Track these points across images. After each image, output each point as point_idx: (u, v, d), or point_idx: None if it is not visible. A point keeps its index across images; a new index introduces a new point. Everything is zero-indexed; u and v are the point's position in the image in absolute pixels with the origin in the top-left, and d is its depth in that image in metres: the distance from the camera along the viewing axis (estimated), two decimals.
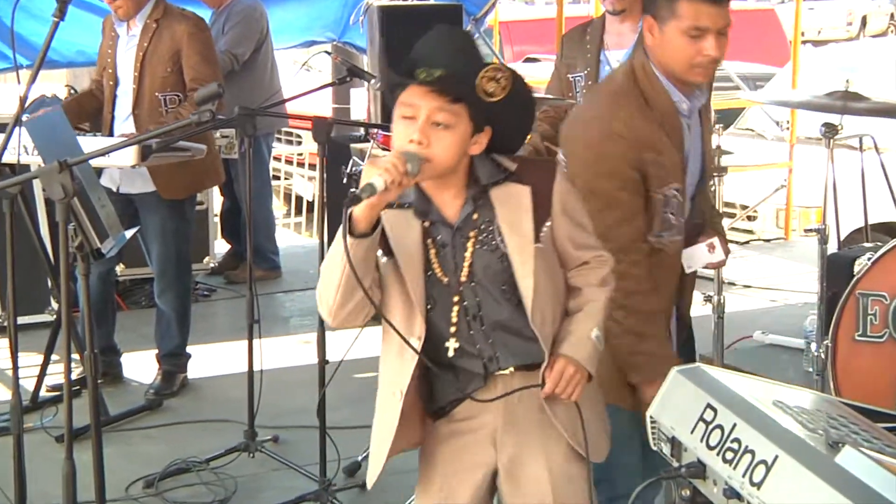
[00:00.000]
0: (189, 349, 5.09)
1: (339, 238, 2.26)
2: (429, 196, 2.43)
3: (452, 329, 2.41)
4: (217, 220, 6.91)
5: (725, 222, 7.38)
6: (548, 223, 2.41)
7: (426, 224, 2.42)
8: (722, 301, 4.24)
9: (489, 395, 2.42)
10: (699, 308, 4.33)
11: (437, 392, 2.49)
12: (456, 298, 2.41)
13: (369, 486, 2.48)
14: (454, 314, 2.41)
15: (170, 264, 4.91)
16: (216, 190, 6.61)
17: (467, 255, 2.40)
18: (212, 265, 6.52)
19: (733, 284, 6.59)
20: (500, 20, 9.47)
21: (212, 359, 5.39)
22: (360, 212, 2.25)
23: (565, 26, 7.56)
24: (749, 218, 7.80)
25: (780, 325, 5.68)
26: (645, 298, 2.77)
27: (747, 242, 7.80)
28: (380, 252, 2.39)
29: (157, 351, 5.05)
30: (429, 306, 2.41)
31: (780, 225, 7.80)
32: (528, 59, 12.64)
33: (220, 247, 6.96)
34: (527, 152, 4.33)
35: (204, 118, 2.70)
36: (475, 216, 2.41)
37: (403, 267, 2.39)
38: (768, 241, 7.80)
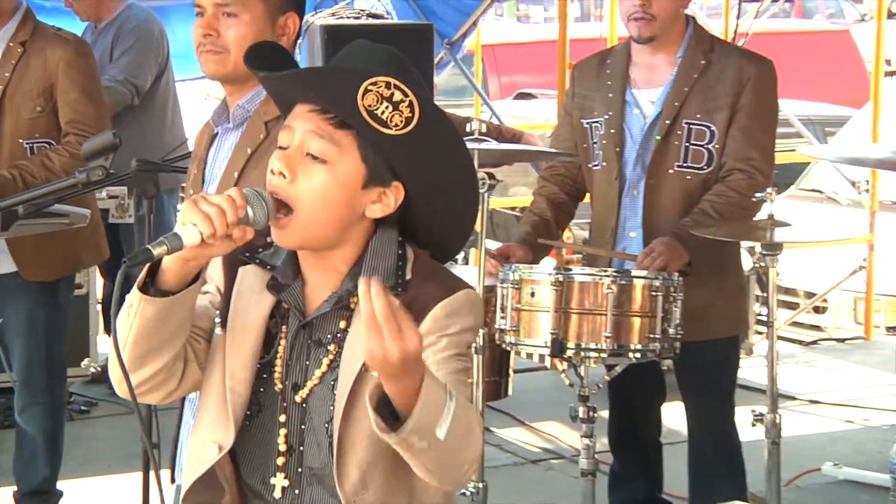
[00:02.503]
0: (60, 485, 5.11)
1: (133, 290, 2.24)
2: (300, 267, 2.38)
3: (280, 460, 2.35)
4: (99, 308, 6.97)
5: (784, 314, 7.57)
6: (427, 348, 2.25)
7: (284, 305, 2.38)
8: (778, 421, 4.35)
9: None
10: (747, 431, 4.46)
11: None
12: (283, 418, 2.36)
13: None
14: (281, 439, 2.35)
15: (38, 369, 4.95)
16: (96, 270, 6.67)
17: (318, 371, 2.33)
18: (92, 370, 6.55)
19: (793, 399, 6.70)
20: (482, 43, 9.67)
21: (91, 498, 5.42)
22: (168, 262, 2.21)
23: (570, 52, 7.77)
24: (817, 310, 7.94)
25: (859, 455, 5.79)
26: None
27: (814, 343, 7.92)
28: (217, 320, 2.39)
29: (15, 488, 5.08)
30: (249, 412, 2.36)
31: (858, 320, 7.93)
32: (521, 95, 12.87)
33: (104, 345, 7.01)
34: (531, 223, 4.46)
35: (95, 177, 2.80)
36: (342, 323, 2.34)
37: (230, 344, 2.36)
38: (842, 340, 7.93)
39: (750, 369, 6.61)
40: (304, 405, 2.34)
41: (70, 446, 5.27)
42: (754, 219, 4.31)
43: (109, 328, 7.34)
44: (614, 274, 3.99)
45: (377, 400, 2.12)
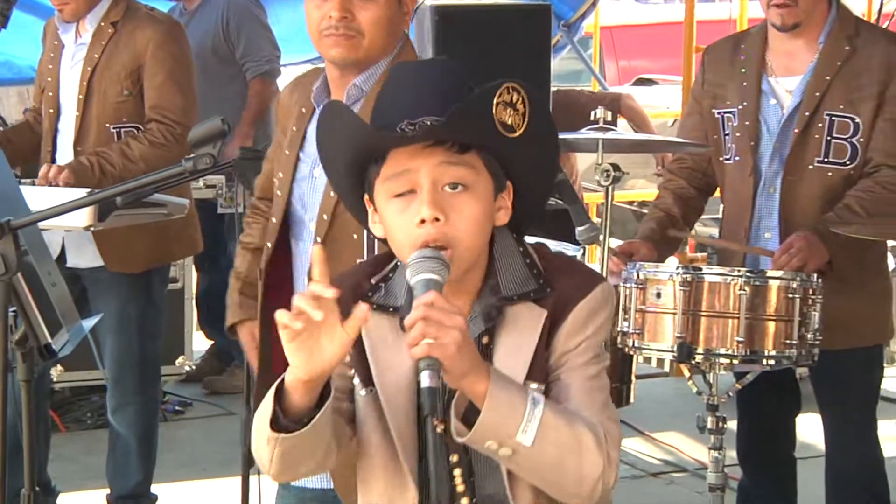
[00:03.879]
0: (154, 488, 5.19)
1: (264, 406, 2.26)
2: None
3: (464, 500, 2.40)
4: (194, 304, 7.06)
5: None
6: (564, 355, 2.35)
7: None
8: None
9: None
10: (891, 445, 4.39)
11: None
12: (455, 458, 2.39)
13: None
14: (459, 479, 2.40)
15: (130, 368, 5.03)
16: (191, 262, 6.75)
17: (456, 400, 2.29)
18: (187, 368, 6.64)
19: None
20: (601, 25, 9.63)
21: (186, 502, 5.51)
22: (292, 385, 2.20)
23: (696, 35, 7.70)
24: None
25: None
26: None
27: None
28: (356, 381, 2.40)
29: (108, 490, 5.17)
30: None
31: None
32: (640, 81, 12.80)
33: (199, 342, 7.09)
34: (656, 220, 4.42)
35: (202, 165, 2.83)
36: (485, 340, 2.37)
37: (387, 405, 2.38)
38: None
39: (892, 379, 6.50)
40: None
41: (164, 448, 5.35)
42: None
43: (203, 324, 7.41)
44: (748, 274, 3.94)
45: (466, 408, 2.23)
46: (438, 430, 2.25)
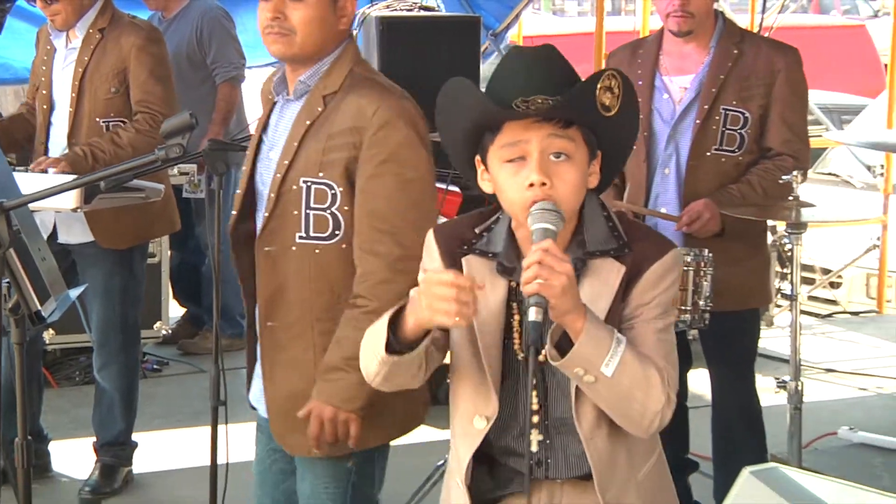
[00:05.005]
0: (135, 437, 5.16)
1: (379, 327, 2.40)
2: (521, 249, 2.47)
3: (535, 418, 2.50)
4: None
5: (802, 289, 7.53)
6: (638, 308, 2.44)
7: (513, 284, 2.48)
8: (800, 388, 4.31)
9: None
10: (771, 396, 4.42)
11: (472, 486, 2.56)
12: (535, 381, 2.48)
13: None
14: (535, 399, 2.50)
15: (114, 331, 5.01)
16: (167, 240, 6.70)
17: (552, 331, 2.38)
18: (164, 332, 6.61)
19: (813, 368, 6.66)
20: (524, 35, 9.65)
21: (163, 449, 5.46)
22: (413, 325, 2.36)
23: (606, 43, 7.72)
24: (832, 285, 7.88)
25: (872, 421, 5.75)
26: None
27: (829, 315, 7.87)
28: None
29: (94, 439, 5.13)
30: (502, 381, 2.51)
31: (871, 294, 7.88)
32: None
33: (175, 309, 7.05)
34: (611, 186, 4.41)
35: (173, 154, 2.80)
36: None
37: (479, 331, 2.48)
38: (856, 314, 7.88)
39: (770, 339, 6.57)
40: (545, 365, 2.44)
41: (143, 402, 5.32)
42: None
43: (177, 294, 7.32)
44: None
45: (559, 338, 2.35)
46: (519, 355, 2.45)
